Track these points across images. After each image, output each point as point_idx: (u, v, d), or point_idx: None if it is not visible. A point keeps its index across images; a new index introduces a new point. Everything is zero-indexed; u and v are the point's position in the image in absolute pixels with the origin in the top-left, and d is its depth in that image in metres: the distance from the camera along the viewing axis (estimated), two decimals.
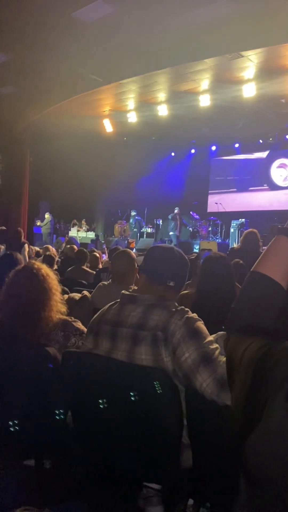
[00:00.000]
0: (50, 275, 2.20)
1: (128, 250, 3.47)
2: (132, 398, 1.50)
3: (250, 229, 5.85)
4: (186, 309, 1.65)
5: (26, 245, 7.65)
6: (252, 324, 1.00)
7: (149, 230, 16.26)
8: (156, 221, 16.10)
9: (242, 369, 0.91)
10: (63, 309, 2.22)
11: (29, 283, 2.10)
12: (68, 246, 8.22)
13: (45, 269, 2.20)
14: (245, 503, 0.90)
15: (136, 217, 16.02)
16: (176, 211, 14.98)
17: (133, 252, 3.70)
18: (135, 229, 15.91)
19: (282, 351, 0.87)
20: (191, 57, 9.01)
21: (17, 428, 1.97)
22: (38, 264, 2.23)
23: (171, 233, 14.99)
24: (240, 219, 13.87)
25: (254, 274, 1.06)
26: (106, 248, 11.93)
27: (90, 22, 8.06)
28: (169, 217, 15.07)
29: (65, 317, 2.21)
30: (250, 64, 9.29)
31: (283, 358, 0.86)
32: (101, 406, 1.72)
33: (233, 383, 0.95)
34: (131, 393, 1.49)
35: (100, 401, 1.70)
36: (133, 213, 16.19)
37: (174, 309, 1.64)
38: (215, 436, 1.54)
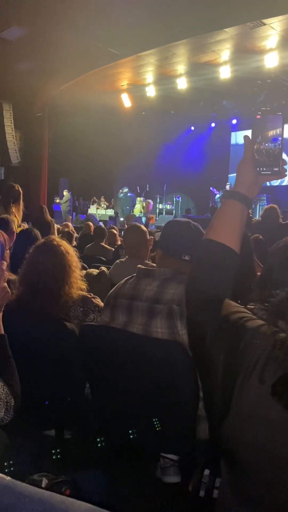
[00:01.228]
0: (70, 251, 2.19)
1: (138, 224, 3.50)
2: (145, 378, 1.52)
3: (270, 205, 5.81)
4: None
5: (53, 223, 7.65)
6: (210, 295, 0.96)
7: (168, 206, 16.10)
8: (176, 197, 15.95)
9: (215, 341, 0.88)
10: (83, 286, 2.22)
11: (49, 259, 2.09)
12: (86, 223, 8.23)
13: (65, 245, 2.19)
14: (227, 484, 0.90)
15: (129, 194, 15.76)
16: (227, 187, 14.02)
17: (151, 229, 3.73)
18: (127, 207, 15.66)
19: (259, 328, 0.84)
20: (211, 27, 8.74)
21: (38, 399, 2.02)
22: (58, 240, 2.22)
23: None
24: (262, 195, 13.60)
25: (205, 242, 1.01)
26: (126, 225, 11.91)
27: None
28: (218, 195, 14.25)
29: (84, 293, 2.23)
30: (272, 32, 8.96)
31: (259, 335, 0.82)
32: (118, 378, 1.74)
33: (201, 359, 0.93)
34: (146, 368, 1.50)
35: (117, 373, 1.72)
36: (125, 190, 15.82)
37: None
38: None
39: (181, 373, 1.53)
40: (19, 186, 4.87)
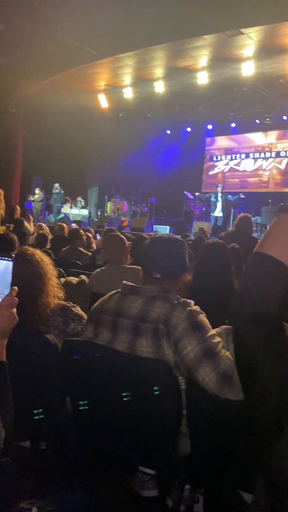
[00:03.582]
0: (45, 260, 2.17)
1: (116, 233, 3.78)
2: (128, 395, 1.51)
3: (244, 214, 5.86)
4: (189, 301, 1.64)
5: (25, 222, 7.54)
6: (259, 309, 0.96)
7: (143, 209, 16.11)
8: (150, 200, 15.99)
9: (269, 363, 0.87)
10: (60, 294, 2.20)
11: (24, 269, 2.06)
12: (58, 224, 8.14)
13: (39, 254, 2.16)
14: (261, 502, 0.90)
15: (61, 191, 15.67)
16: (219, 188, 13.77)
17: (126, 231, 3.88)
18: (58, 204, 15.57)
19: None
20: (190, 32, 8.81)
21: (15, 410, 1.98)
22: (32, 249, 2.19)
23: (217, 214, 13.60)
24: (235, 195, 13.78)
25: (257, 255, 1.01)
26: (100, 227, 11.83)
27: None
28: (213, 195, 13.80)
29: (63, 302, 2.20)
30: (249, 42, 9.12)
31: None
32: (100, 393, 1.73)
33: (251, 378, 0.91)
34: (130, 385, 1.50)
35: (99, 388, 1.71)
36: (55, 185, 15.64)
37: (176, 301, 1.64)
38: (214, 426, 1.56)
39: (165, 392, 1.53)
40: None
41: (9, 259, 1.26)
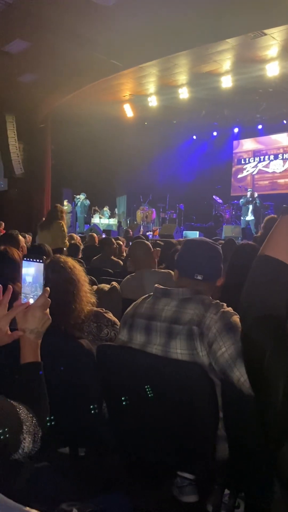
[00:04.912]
0: (77, 266, 2.22)
1: (141, 240, 3.94)
2: (163, 399, 1.51)
3: (270, 216, 5.74)
4: (222, 303, 1.64)
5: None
6: (265, 311, 0.94)
7: (171, 215, 16.11)
8: (179, 206, 15.97)
9: (276, 364, 0.87)
10: (93, 299, 2.24)
11: (57, 276, 2.11)
12: (89, 234, 8.25)
13: (71, 261, 2.22)
14: (280, 502, 0.89)
15: (86, 203, 15.69)
16: (249, 193, 13.54)
17: (156, 239, 3.98)
18: (84, 215, 15.61)
19: None
20: (212, 37, 8.81)
21: (53, 417, 2.01)
22: (64, 257, 2.24)
23: (248, 218, 13.38)
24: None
25: (261, 258, 1.00)
26: (131, 233, 11.89)
27: (109, 6, 7.94)
28: (242, 201, 13.60)
29: (96, 308, 2.24)
30: (273, 42, 9.03)
31: None
32: (136, 398, 1.74)
33: (259, 379, 0.91)
34: (165, 389, 1.50)
35: (135, 393, 1.71)
36: (82, 197, 15.60)
37: (209, 303, 1.63)
38: (251, 428, 1.53)
39: (201, 395, 1.52)
40: None
41: (41, 261, 1.28)
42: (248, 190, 13.86)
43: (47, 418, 1.22)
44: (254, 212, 13.25)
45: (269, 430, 0.87)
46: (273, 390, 0.84)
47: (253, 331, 0.95)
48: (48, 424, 1.27)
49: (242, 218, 13.71)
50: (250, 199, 13.37)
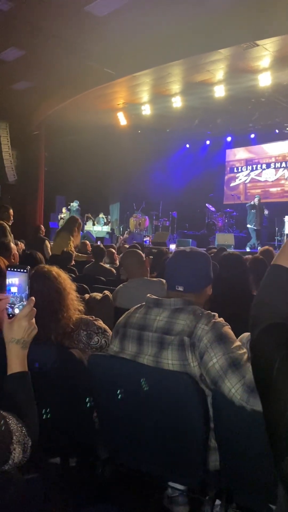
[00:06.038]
0: (62, 275, 2.20)
1: (133, 249, 3.95)
2: (154, 409, 1.51)
3: (266, 247, 5.58)
4: (213, 313, 1.64)
5: (46, 241, 7.68)
6: (275, 320, 0.95)
7: (164, 223, 16.12)
8: (172, 213, 16.02)
9: (284, 373, 0.86)
10: (81, 307, 2.23)
11: (42, 285, 2.10)
12: (82, 241, 8.24)
13: (55, 270, 2.20)
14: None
15: (78, 209, 15.60)
16: (256, 199, 13.28)
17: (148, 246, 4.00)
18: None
19: None
20: (206, 47, 8.91)
21: (44, 426, 2.00)
22: (48, 266, 2.23)
23: (249, 225, 13.26)
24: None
25: (274, 267, 1.03)
26: (123, 241, 11.88)
27: (103, 16, 8.02)
28: (248, 205, 13.35)
29: (85, 316, 2.23)
30: (265, 53, 9.14)
31: None
32: (127, 408, 1.73)
33: (267, 388, 0.90)
34: (156, 399, 1.50)
35: (126, 403, 1.71)
36: (75, 205, 15.49)
37: (200, 314, 1.64)
38: (242, 439, 1.54)
39: (192, 405, 1.52)
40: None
41: (25, 270, 1.28)
42: (256, 196, 13.59)
43: (37, 428, 1.21)
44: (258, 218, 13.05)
45: (277, 440, 0.86)
46: (282, 399, 0.84)
47: (263, 339, 0.95)
48: (39, 433, 1.27)
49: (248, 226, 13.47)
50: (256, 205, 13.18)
